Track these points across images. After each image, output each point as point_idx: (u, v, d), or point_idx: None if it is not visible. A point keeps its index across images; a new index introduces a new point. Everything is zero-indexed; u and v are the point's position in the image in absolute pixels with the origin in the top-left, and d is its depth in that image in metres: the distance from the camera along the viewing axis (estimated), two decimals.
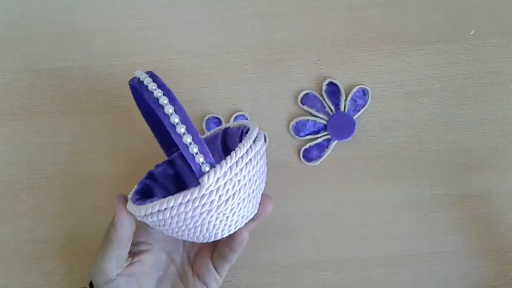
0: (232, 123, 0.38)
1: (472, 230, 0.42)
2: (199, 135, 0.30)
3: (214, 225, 0.31)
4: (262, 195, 0.35)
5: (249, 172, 0.31)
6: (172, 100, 0.30)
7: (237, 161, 0.30)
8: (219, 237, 0.33)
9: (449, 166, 0.43)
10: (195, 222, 0.31)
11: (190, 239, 0.33)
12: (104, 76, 0.44)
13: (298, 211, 0.43)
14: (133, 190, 0.36)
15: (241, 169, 0.31)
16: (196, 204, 0.30)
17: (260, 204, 0.34)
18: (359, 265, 0.42)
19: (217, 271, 0.36)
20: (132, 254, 0.35)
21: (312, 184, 0.43)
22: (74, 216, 0.42)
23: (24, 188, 0.43)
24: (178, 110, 0.30)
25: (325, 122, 0.42)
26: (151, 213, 0.30)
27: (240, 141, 0.32)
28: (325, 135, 0.42)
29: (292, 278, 0.42)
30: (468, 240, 0.42)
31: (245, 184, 0.31)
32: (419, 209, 0.42)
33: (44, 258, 0.42)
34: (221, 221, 0.31)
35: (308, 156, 0.42)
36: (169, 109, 0.30)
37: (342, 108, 0.42)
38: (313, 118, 0.43)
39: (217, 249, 0.36)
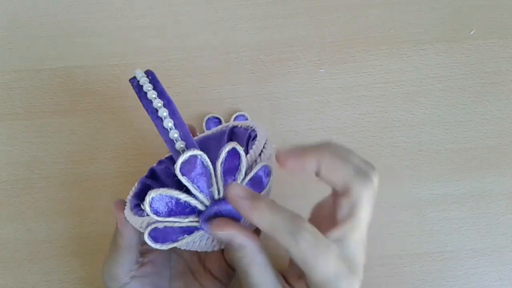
0: (240, 123, 0.36)
1: (472, 230, 0.42)
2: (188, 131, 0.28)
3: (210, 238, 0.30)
4: None
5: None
6: (165, 99, 0.28)
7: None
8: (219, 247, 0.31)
9: (449, 166, 0.43)
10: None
11: (191, 249, 0.31)
12: (104, 76, 0.44)
13: (298, 211, 0.43)
14: (133, 191, 0.34)
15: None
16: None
17: None
18: None
19: (229, 265, 0.36)
20: (142, 253, 0.35)
21: (312, 184, 0.43)
22: (74, 216, 0.42)
23: (24, 188, 0.43)
24: (171, 110, 0.28)
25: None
26: (145, 227, 0.29)
27: (247, 146, 0.31)
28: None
29: None
30: (468, 240, 0.42)
31: None
32: (419, 209, 0.42)
33: (44, 258, 0.42)
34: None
35: None
36: (158, 103, 0.28)
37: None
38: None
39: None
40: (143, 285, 0.34)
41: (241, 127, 0.36)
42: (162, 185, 0.37)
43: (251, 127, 0.34)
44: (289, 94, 0.44)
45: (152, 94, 0.29)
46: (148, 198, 0.26)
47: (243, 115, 0.43)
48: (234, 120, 0.43)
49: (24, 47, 0.44)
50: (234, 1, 0.45)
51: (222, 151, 0.27)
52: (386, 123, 0.43)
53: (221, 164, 0.27)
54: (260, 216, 0.26)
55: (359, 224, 0.27)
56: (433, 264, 0.42)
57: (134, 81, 0.30)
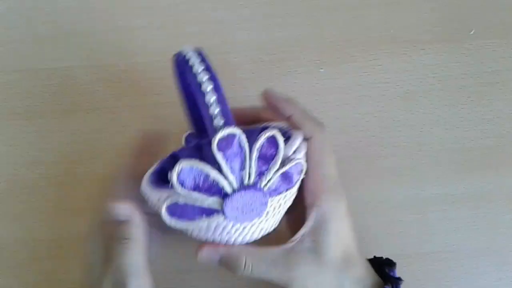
0: (273, 123, 0.35)
1: (472, 230, 0.42)
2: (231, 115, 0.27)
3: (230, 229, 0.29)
4: None
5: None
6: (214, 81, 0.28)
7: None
8: (232, 242, 0.30)
9: (449, 166, 0.43)
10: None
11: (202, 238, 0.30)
12: (104, 76, 0.44)
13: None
14: (152, 169, 0.32)
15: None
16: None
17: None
18: None
19: None
20: None
21: None
22: (74, 216, 0.42)
23: (24, 188, 0.43)
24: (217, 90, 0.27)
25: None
26: (165, 199, 0.27)
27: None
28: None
29: None
30: (468, 240, 0.42)
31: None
32: (419, 209, 0.42)
33: (44, 258, 0.42)
34: (236, 229, 0.29)
35: None
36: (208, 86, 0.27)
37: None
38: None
39: None
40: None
41: (274, 127, 0.35)
42: None
43: (285, 128, 0.33)
44: (289, 94, 0.43)
45: (198, 69, 0.28)
46: (178, 167, 0.25)
47: None
48: None
49: (24, 47, 0.44)
50: (234, 1, 0.44)
51: (262, 135, 0.26)
52: (386, 123, 0.43)
53: (258, 148, 0.26)
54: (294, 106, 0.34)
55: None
56: (433, 264, 0.42)
57: (179, 56, 0.29)
